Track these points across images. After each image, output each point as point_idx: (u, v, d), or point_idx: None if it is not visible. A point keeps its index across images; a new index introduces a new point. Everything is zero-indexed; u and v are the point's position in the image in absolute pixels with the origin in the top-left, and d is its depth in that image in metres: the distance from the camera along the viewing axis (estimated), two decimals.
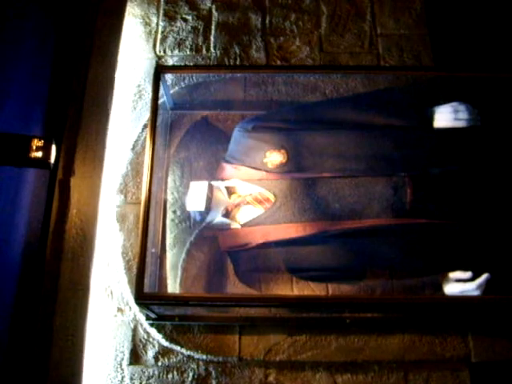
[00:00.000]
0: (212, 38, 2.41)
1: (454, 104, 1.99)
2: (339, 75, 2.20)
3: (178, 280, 2.06)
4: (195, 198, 1.96)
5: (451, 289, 1.87)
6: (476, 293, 1.83)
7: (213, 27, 2.43)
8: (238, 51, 2.36)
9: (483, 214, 1.91)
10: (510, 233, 1.91)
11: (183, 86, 2.27)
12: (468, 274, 1.85)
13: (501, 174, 1.94)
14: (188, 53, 2.39)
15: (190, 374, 1.98)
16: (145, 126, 2.22)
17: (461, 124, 1.95)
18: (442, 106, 2.01)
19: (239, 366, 1.99)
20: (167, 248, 2.11)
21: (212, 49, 2.39)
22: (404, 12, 2.43)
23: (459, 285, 1.86)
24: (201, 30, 2.43)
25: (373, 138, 1.94)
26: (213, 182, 2.01)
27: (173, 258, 2.10)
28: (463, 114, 1.95)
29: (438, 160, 1.92)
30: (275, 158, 1.96)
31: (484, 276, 1.83)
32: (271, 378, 1.99)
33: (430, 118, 1.99)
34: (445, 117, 1.97)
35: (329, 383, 1.98)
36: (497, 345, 2.00)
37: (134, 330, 2.01)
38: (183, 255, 2.09)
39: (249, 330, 2.00)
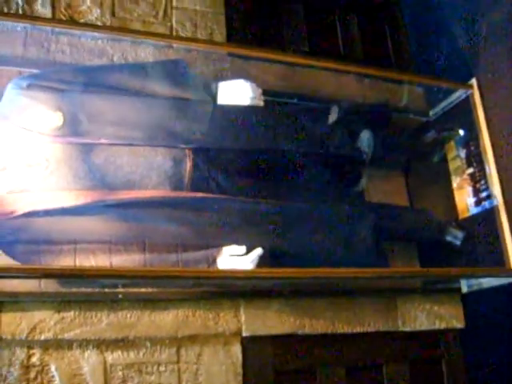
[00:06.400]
0: None
1: (239, 81, 2.01)
2: (129, 42, 2.11)
3: None
4: None
5: (225, 263, 1.89)
6: (249, 267, 1.87)
7: None
8: (20, 3, 2.13)
9: (258, 191, 1.97)
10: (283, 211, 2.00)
11: None
12: (241, 249, 1.88)
13: (277, 155, 2.01)
14: None
15: None
16: None
17: (243, 102, 1.98)
18: (227, 82, 2.02)
19: None
20: None
21: None
22: None
23: (233, 259, 1.88)
24: None
25: (155, 107, 1.87)
26: None
27: None
28: (246, 92, 1.99)
29: (217, 135, 1.93)
30: (50, 120, 1.79)
31: (256, 251, 1.87)
32: (34, 359, 1.84)
33: (215, 94, 2.00)
34: (228, 93, 1.98)
35: (99, 361, 1.89)
36: (267, 319, 2.08)
37: None
38: None
39: (11, 307, 1.82)
